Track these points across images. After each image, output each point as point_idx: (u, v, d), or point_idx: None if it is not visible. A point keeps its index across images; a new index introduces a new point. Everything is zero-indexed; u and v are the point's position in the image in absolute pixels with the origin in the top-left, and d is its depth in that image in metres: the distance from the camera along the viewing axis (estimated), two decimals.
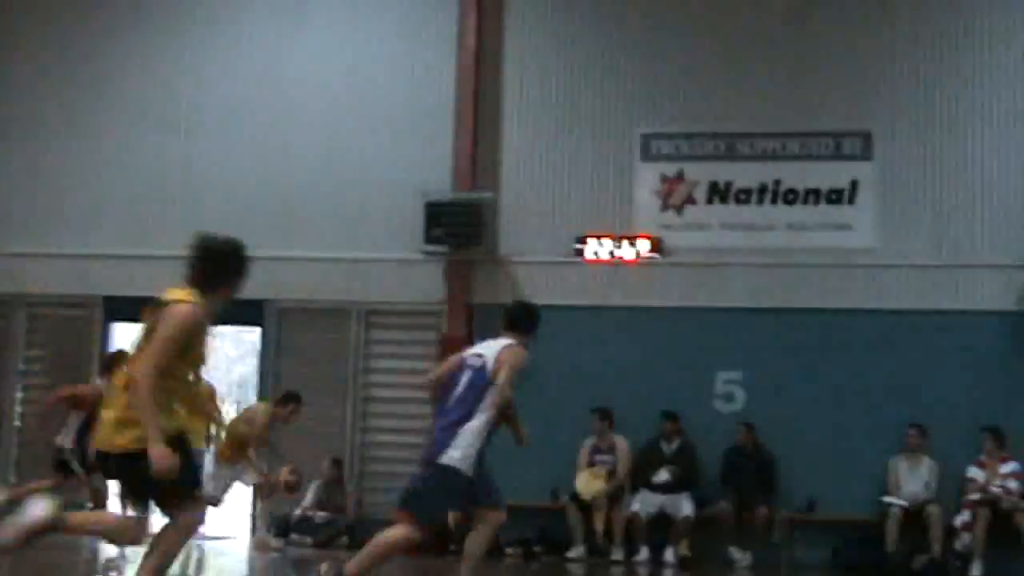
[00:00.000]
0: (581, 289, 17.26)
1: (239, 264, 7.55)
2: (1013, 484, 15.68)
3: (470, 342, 17.19)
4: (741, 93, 17.36)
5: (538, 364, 17.26)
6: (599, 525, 16.22)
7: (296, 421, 15.94)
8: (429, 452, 9.22)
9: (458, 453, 9.04)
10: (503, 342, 9.61)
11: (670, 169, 17.37)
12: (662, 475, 16.29)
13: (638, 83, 17.59)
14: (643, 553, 16.05)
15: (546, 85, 17.85)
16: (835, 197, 17.11)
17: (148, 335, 7.25)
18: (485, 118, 17.77)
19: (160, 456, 6.96)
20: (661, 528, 16.15)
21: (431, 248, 17.31)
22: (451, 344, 17.43)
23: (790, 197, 17.18)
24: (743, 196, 17.25)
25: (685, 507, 16.08)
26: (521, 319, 9.88)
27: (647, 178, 17.42)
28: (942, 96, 17.06)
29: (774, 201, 17.22)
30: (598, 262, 17.24)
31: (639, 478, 16.39)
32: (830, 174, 17.15)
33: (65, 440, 15.00)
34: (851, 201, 17.08)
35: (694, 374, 16.80)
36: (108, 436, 7.25)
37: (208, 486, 15.17)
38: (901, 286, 16.82)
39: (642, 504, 16.18)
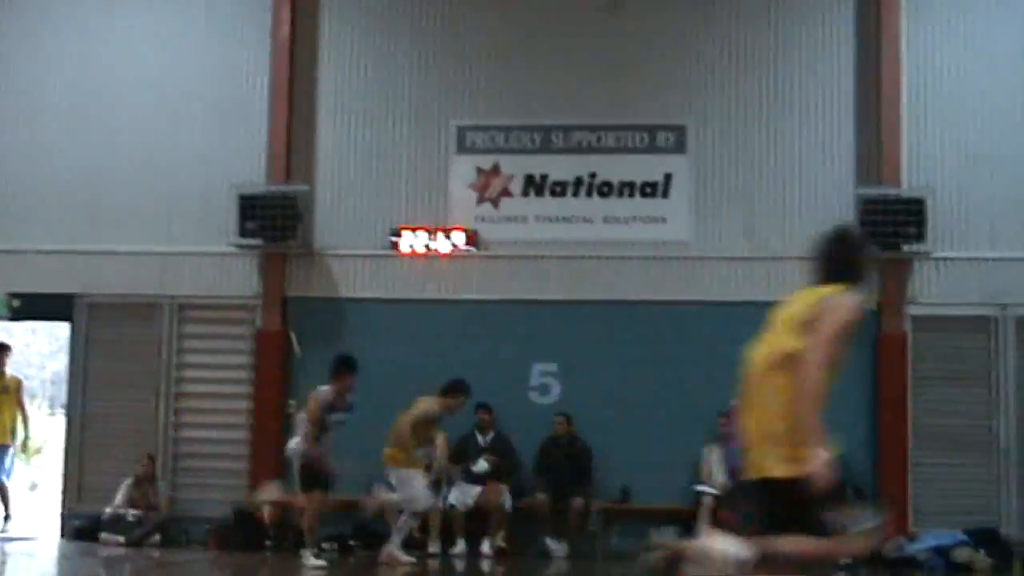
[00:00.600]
0: (397, 282, 17.21)
1: (855, 251, 7.26)
2: None
3: (285, 336, 17.24)
4: (556, 86, 17.44)
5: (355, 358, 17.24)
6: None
7: (461, 410, 15.25)
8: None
9: None
10: None
11: (486, 162, 17.39)
12: (481, 464, 16.31)
13: (454, 75, 17.58)
14: (460, 545, 16.06)
15: (361, 76, 17.74)
16: (649, 190, 17.28)
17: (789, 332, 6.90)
18: (300, 110, 17.59)
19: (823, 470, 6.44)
20: (478, 520, 16.17)
21: (245, 241, 17.07)
22: (265, 338, 17.31)
23: (605, 190, 17.32)
24: (558, 189, 17.34)
25: (501, 498, 16.12)
26: None
27: (463, 171, 17.42)
28: (754, 90, 17.33)
29: (589, 194, 17.34)
30: (414, 255, 17.19)
31: (455, 470, 16.37)
32: (645, 167, 17.32)
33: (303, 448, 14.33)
34: (665, 194, 17.27)
35: (510, 366, 16.85)
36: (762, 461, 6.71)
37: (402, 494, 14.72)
38: (713, 278, 17.06)
39: (459, 496, 16.17)
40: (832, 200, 16.80)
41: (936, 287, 16.79)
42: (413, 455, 14.70)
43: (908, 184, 16.65)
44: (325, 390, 14.24)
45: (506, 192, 17.35)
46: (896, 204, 16.40)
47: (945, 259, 16.61)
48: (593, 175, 17.33)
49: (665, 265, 17.15)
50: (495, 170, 17.38)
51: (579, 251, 17.18)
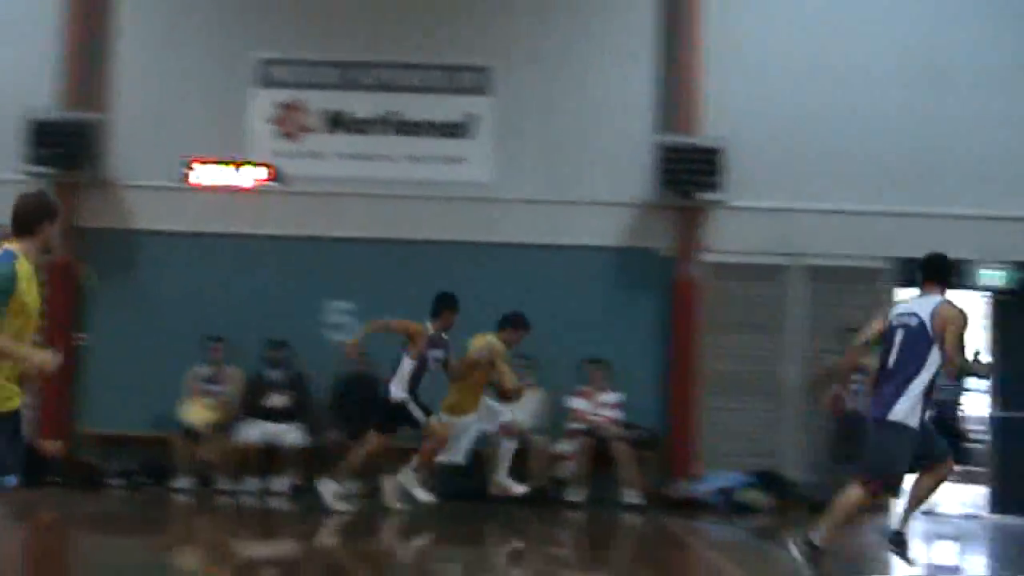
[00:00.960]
0: (193, 215, 16.89)
1: None
2: (613, 413, 16.26)
3: (76, 268, 16.80)
4: (360, 21, 17.28)
5: (147, 291, 16.99)
6: (208, 455, 15.99)
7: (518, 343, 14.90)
8: (878, 412, 9.65)
9: (903, 409, 9.50)
10: (936, 299, 9.72)
11: (286, 96, 17.16)
12: (275, 399, 16.18)
13: (256, 6, 17.32)
14: (252, 483, 15.93)
15: (160, 2, 17.32)
16: (452, 130, 17.26)
17: None
18: (94, 33, 17.07)
19: None
20: (270, 458, 16.05)
21: (35, 169, 16.50)
22: (55, 270, 16.83)
23: (407, 129, 17.24)
24: (360, 126, 17.21)
25: (294, 436, 16.01)
26: (943, 270, 9.96)
27: (263, 105, 17.15)
28: (558, 35, 17.37)
29: (391, 132, 17.25)
30: (211, 189, 16.90)
31: (248, 407, 16.22)
32: (447, 107, 17.28)
33: (398, 389, 13.98)
34: (467, 135, 17.26)
35: (306, 303, 16.70)
36: None
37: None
38: (513, 220, 17.11)
39: (252, 434, 16.03)
40: (632, 147, 16.94)
41: (730, 236, 17.09)
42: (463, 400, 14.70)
43: (707, 134, 16.88)
44: (428, 326, 14.03)
45: (306, 128, 17.15)
46: (693, 153, 16.64)
47: (740, 208, 16.91)
48: (395, 113, 17.23)
49: (465, 206, 17.15)
50: (296, 105, 17.16)
51: (379, 189, 17.09)
